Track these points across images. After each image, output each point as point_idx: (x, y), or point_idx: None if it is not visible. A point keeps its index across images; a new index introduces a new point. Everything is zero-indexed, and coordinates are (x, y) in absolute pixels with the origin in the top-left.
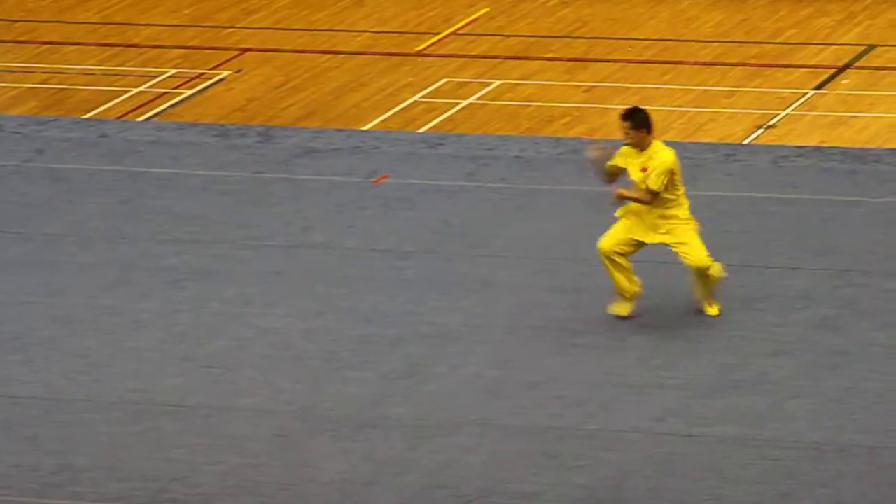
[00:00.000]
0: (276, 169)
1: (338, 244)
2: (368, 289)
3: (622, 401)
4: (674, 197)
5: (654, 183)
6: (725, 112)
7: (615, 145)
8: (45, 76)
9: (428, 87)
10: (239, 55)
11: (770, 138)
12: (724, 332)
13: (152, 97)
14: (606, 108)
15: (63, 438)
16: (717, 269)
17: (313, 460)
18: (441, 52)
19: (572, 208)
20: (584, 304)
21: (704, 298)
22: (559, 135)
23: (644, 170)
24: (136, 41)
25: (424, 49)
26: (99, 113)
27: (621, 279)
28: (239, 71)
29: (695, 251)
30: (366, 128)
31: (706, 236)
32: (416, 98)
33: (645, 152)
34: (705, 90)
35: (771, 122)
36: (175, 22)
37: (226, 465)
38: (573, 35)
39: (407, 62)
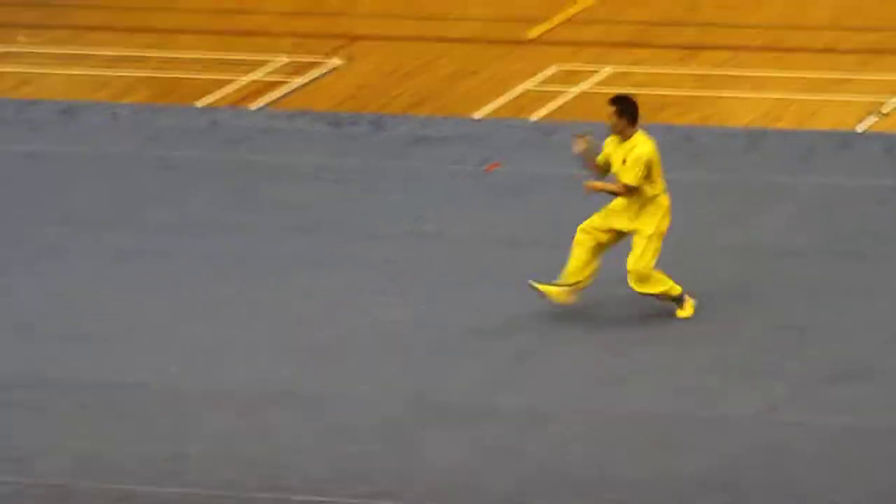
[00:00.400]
0: (388, 157)
1: (449, 233)
2: (479, 278)
3: (733, 388)
4: (655, 192)
5: (628, 176)
6: (838, 99)
7: (601, 137)
8: (157, 64)
9: (538, 74)
10: (350, 43)
11: (883, 125)
12: (837, 320)
13: (264, 85)
14: (718, 97)
15: (177, 427)
16: (656, 287)
17: (423, 448)
18: (552, 39)
19: (684, 197)
20: (696, 291)
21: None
22: (671, 122)
23: (625, 162)
24: (247, 29)
25: (536, 36)
26: (211, 101)
27: (574, 262)
28: (350, 59)
29: (639, 255)
30: (477, 116)
31: (817, 224)
32: (527, 86)
33: (627, 143)
34: (818, 77)
35: (883, 110)
36: (286, 10)
37: (336, 453)
38: (684, 22)
39: (518, 49)
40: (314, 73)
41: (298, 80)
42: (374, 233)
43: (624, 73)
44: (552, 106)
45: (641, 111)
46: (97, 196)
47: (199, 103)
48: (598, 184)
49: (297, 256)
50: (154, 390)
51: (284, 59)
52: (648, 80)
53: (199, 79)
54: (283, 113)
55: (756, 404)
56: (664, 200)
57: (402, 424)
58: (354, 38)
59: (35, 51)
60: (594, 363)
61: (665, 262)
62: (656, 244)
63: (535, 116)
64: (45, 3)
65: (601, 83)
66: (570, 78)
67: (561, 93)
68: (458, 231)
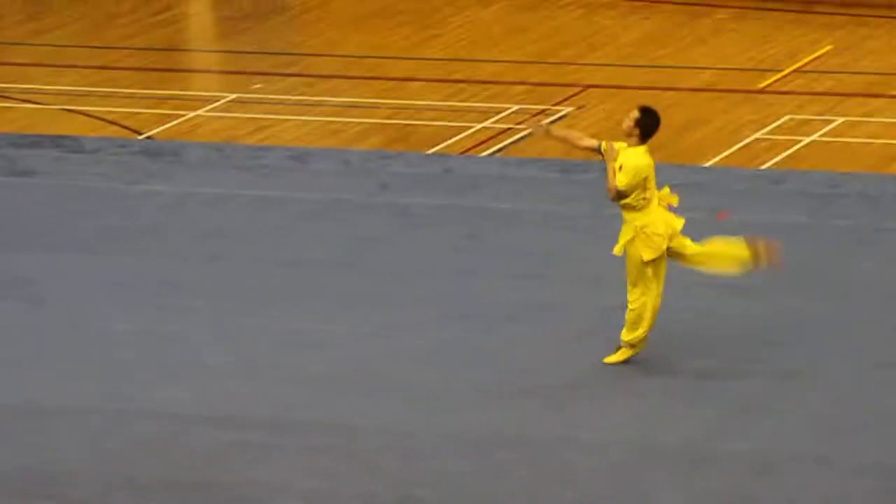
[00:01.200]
0: (618, 205)
1: (679, 280)
2: (709, 324)
3: None
4: (638, 204)
5: (620, 180)
6: None
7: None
8: (390, 111)
9: (770, 123)
10: (582, 91)
11: None
12: None
13: (496, 132)
14: None
15: (403, 469)
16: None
17: (650, 494)
18: (784, 89)
19: None
20: None
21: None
22: None
23: (620, 168)
24: (480, 77)
25: (767, 86)
26: (443, 148)
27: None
28: (582, 107)
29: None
30: (708, 164)
31: None
32: (758, 135)
33: (629, 150)
34: None
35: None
36: (519, 58)
37: (563, 499)
38: None
39: (749, 99)
40: (546, 120)
41: (529, 128)
42: (604, 279)
43: (856, 123)
44: (783, 155)
45: (872, 161)
46: (327, 241)
47: (431, 150)
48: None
49: (526, 303)
50: (381, 432)
51: (516, 106)
52: (882, 130)
53: (432, 125)
54: (513, 160)
55: None
56: (654, 217)
57: (629, 470)
58: (586, 87)
59: (270, 97)
60: (824, 411)
61: (893, 309)
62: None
63: (765, 165)
64: (279, 52)
65: (833, 133)
66: (802, 127)
67: (793, 142)
68: (688, 277)
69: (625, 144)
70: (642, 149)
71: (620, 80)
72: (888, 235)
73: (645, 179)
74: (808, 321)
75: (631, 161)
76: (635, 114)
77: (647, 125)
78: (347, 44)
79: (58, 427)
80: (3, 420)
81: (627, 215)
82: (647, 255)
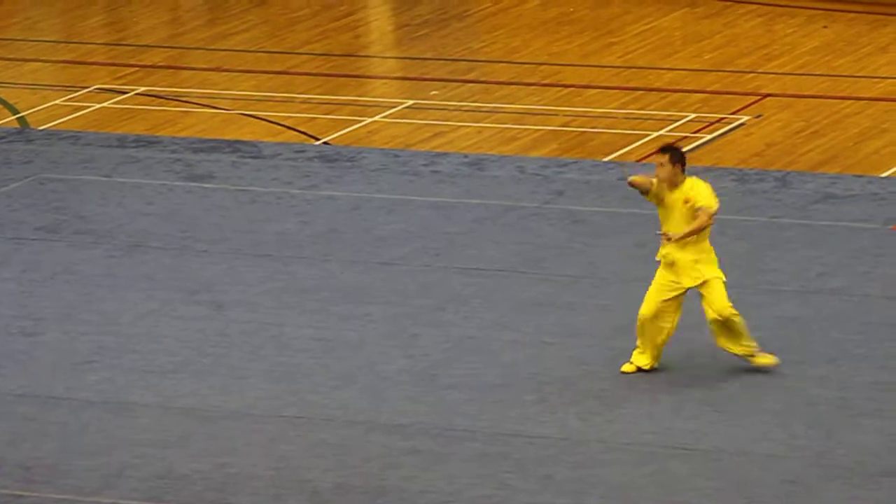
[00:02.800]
0: (793, 214)
1: (855, 290)
2: (885, 335)
3: None
4: (705, 240)
5: (712, 202)
6: None
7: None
8: (566, 119)
9: None
10: (759, 100)
11: None
12: None
13: (672, 141)
14: None
15: (576, 479)
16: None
17: None
18: None
19: None
20: None
21: (744, 350)
22: None
23: (687, 202)
24: (657, 85)
25: None
26: (619, 156)
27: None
28: (759, 116)
29: (717, 296)
30: (885, 174)
31: None
32: None
33: (679, 188)
34: None
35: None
36: (696, 67)
37: None
38: None
39: None
40: (722, 129)
41: (706, 136)
42: (779, 289)
43: None
44: None
45: None
46: (502, 247)
47: (608, 158)
48: (684, 230)
49: (702, 311)
50: (555, 441)
51: (692, 115)
52: None
53: (608, 133)
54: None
55: None
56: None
57: (804, 483)
58: (764, 96)
59: (447, 104)
60: None
61: None
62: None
63: None
64: (457, 59)
65: None
66: None
67: None
68: (864, 288)
69: (663, 188)
70: (694, 179)
71: (798, 89)
72: None
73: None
74: None
75: (700, 187)
76: (665, 157)
77: (679, 156)
78: (525, 51)
79: (234, 431)
80: (182, 423)
81: (705, 246)
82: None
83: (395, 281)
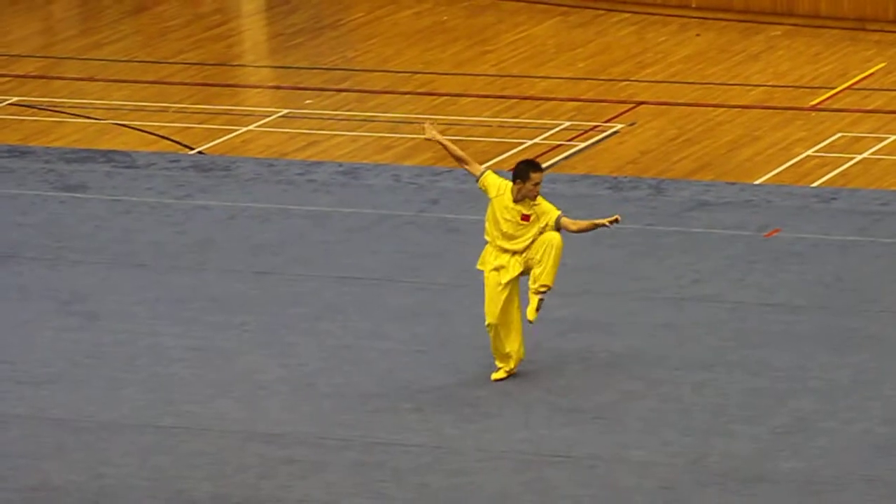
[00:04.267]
0: (668, 221)
1: (728, 297)
2: (758, 343)
3: None
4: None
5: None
6: None
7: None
8: (441, 127)
9: (821, 141)
10: (633, 108)
11: None
12: None
13: (546, 149)
14: None
15: (452, 487)
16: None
17: None
18: (836, 106)
19: None
20: None
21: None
22: None
23: (525, 217)
24: (531, 94)
25: (818, 103)
26: (494, 164)
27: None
28: (632, 124)
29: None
30: (758, 182)
31: None
32: (809, 152)
33: (533, 204)
34: None
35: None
36: (570, 75)
37: None
38: None
39: (800, 116)
40: (596, 137)
41: (580, 145)
42: (653, 296)
43: None
44: (834, 173)
45: None
46: (377, 256)
47: (482, 166)
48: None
49: (575, 319)
50: (430, 449)
51: (567, 123)
52: None
53: (482, 141)
54: (564, 176)
55: None
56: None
57: (679, 489)
58: (638, 104)
59: (321, 113)
60: (875, 431)
61: None
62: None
63: (816, 183)
64: (331, 68)
65: (885, 151)
66: (854, 145)
67: (843, 159)
68: (737, 295)
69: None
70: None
71: (671, 96)
72: None
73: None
74: (858, 340)
75: (543, 206)
76: (539, 176)
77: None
78: (399, 59)
79: (109, 442)
80: (55, 435)
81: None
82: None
83: (270, 290)
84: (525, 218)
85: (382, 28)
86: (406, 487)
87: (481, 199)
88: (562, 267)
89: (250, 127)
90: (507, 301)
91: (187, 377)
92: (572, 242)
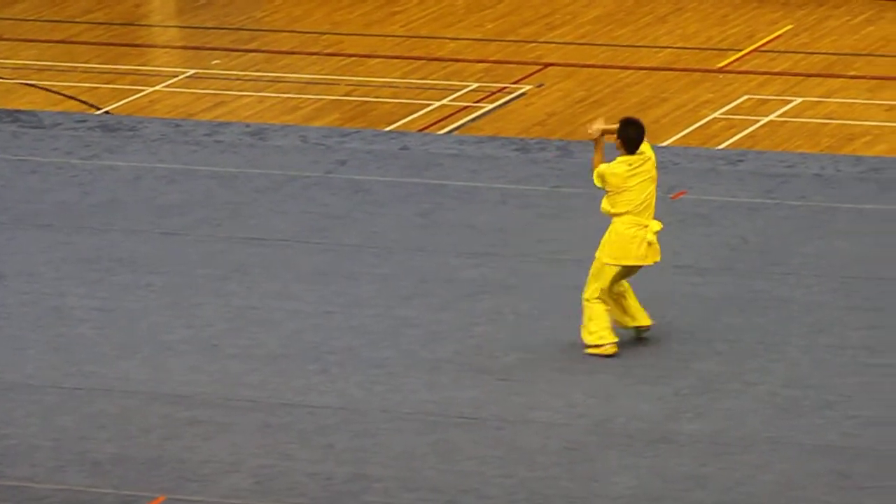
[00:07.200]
0: (575, 183)
1: None
2: (665, 304)
3: None
4: (610, 212)
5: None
6: None
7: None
8: (348, 88)
9: (728, 103)
10: (541, 70)
11: None
12: None
13: (454, 110)
14: None
15: (357, 448)
16: (595, 312)
17: (603, 474)
18: (743, 68)
19: (871, 227)
20: (881, 323)
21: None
22: (859, 153)
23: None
24: (439, 55)
25: (726, 66)
26: (401, 125)
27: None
28: (540, 85)
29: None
30: (665, 143)
31: None
32: (716, 114)
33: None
34: None
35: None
36: (478, 36)
37: (516, 478)
38: (877, 53)
39: (708, 78)
40: (504, 99)
41: (488, 106)
42: (560, 257)
43: (814, 104)
44: (741, 135)
45: (829, 142)
46: (285, 217)
47: (390, 127)
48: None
49: (483, 279)
50: (336, 411)
51: (475, 84)
52: (838, 110)
53: (390, 103)
54: (471, 138)
55: None
56: (621, 227)
57: (584, 449)
58: (545, 65)
59: (228, 73)
60: (779, 393)
61: (848, 290)
62: (601, 275)
63: (723, 145)
64: (239, 28)
65: (791, 113)
66: (760, 107)
67: (750, 122)
68: None
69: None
70: (621, 158)
71: (579, 58)
72: (844, 215)
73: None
74: (764, 302)
75: (608, 167)
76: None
77: (622, 135)
78: (308, 20)
79: (13, 402)
80: None
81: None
82: (605, 259)
83: (177, 251)
84: None
85: None
86: (311, 448)
87: (388, 159)
88: (470, 228)
89: (157, 87)
90: None
91: (92, 338)
92: (483, 206)
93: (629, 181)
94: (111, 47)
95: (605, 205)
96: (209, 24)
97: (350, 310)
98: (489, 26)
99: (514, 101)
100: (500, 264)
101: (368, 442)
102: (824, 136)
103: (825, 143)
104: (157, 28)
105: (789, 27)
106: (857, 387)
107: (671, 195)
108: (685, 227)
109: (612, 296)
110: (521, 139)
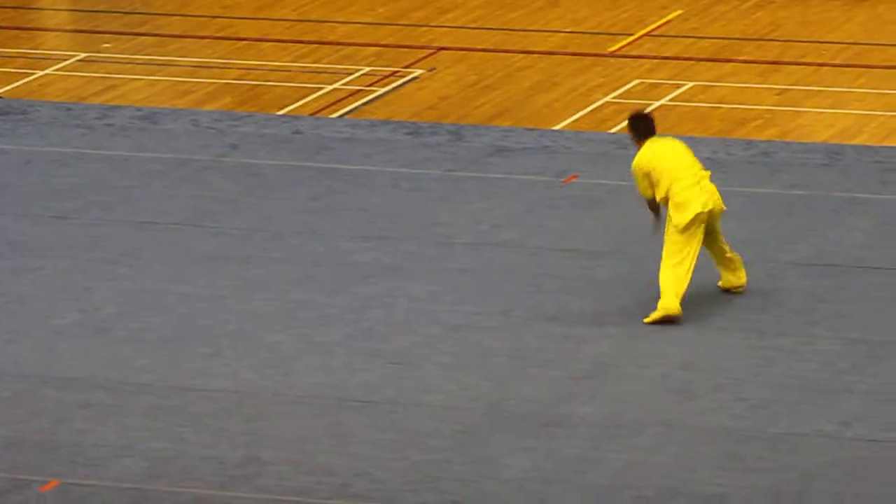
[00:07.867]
0: (467, 167)
1: (527, 243)
2: (556, 288)
3: (808, 404)
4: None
5: (642, 190)
6: None
7: None
8: (240, 72)
9: (620, 87)
10: (432, 54)
11: None
12: None
13: (346, 94)
14: (798, 111)
15: (250, 431)
16: (667, 302)
17: (496, 457)
18: (634, 53)
19: (763, 211)
20: (772, 306)
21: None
22: (751, 137)
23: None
24: (331, 39)
25: (617, 50)
26: (293, 109)
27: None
28: (432, 69)
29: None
30: (557, 127)
31: (894, 241)
32: (607, 99)
33: None
34: None
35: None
36: (370, 20)
37: (409, 461)
38: (767, 37)
39: (599, 63)
40: (396, 83)
41: (380, 90)
42: (452, 241)
43: (705, 88)
44: None
45: (721, 126)
46: (177, 201)
47: (281, 111)
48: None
49: (375, 263)
50: (229, 394)
51: (366, 68)
52: (730, 94)
53: (282, 86)
54: (363, 122)
55: (829, 421)
56: (676, 197)
57: (476, 433)
58: (437, 49)
59: (119, 57)
60: (670, 375)
61: (749, 274)
62: (674, 239)
63: (614, 129)
64: (130, 11)
65: (682, 97)
66: (652, 92)
67: (642, 106)
68: (535, 241)
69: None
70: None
71: (471, 42)
72: (735, 199)
73: (647, 175)
74: (656, 285)
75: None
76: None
77: (632, 125)
78: (198, 3)
79: None
80: None
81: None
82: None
83: (67, 234)
84: None
85: None
86: (204, 432)
87: (280, 143)
88: (362, 212)
89: (48, 70)
90: None
91: None
92: (376, 190)
93: (656, 155)
94: (1, 30)
95: (657, 195)
96: (100, 8)
97: (242, 293)
98: (380, 10)
99: (406, 85)
100: (392, 248)
101: (262, 425)
102: (715, 119)
103: (716, 128)
104: (47, 11)
105: (680, 12)
106: (747, 369)
107: (562, 180)
108: (576, 211)
109: (717, 259)
110: (414, 123)
